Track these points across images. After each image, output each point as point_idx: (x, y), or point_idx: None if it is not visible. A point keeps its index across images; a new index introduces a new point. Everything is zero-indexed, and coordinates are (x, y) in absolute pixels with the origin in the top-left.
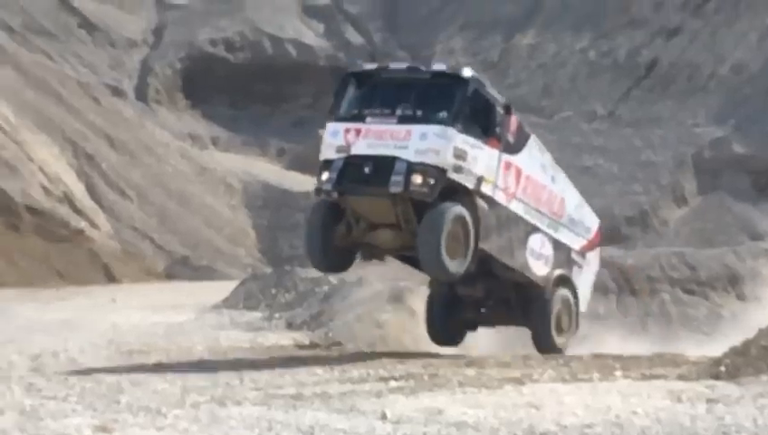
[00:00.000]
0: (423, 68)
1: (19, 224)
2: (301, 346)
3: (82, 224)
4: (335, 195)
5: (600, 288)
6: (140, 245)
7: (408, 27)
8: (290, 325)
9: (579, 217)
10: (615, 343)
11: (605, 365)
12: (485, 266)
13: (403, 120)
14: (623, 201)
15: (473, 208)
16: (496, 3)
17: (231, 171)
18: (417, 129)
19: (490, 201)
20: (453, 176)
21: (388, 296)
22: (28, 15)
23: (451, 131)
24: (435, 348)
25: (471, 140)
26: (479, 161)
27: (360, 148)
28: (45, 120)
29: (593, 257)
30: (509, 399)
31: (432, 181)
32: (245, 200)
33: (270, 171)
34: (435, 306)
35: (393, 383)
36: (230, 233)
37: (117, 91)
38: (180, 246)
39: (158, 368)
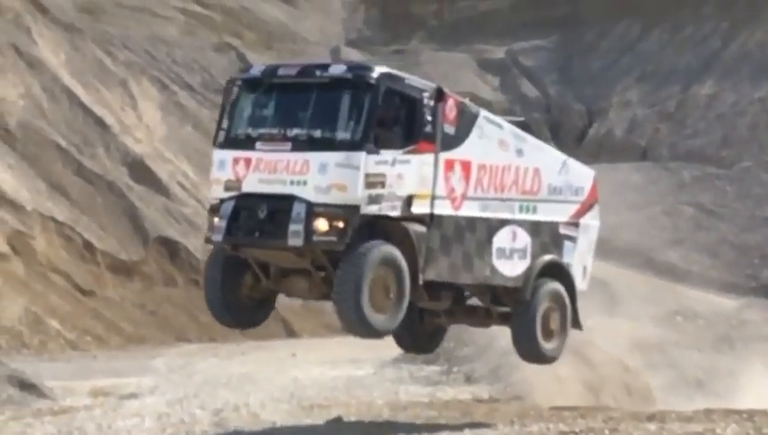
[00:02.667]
0: (318, 71)
1: (200, 280)
2: (480, 400)
3: None
4: (227, 247)
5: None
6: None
7: (583, 79)
8: (468, 379)
9: (563, 182)
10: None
11: None
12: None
13: (298, 145)
14: None
15: (404, 240)
16: (674, 53)
17: None
18: (315, 158)
19: (429, 219)
20: (369, 210)
21: (567, 350)
22: (208, 74)
23: (358, 157)
24: (617, 403)
25: (390, 155)
26: (405, 178)
27: (252, 184)
28: None
29: (591, 219)
30: None
31: (341, 225)
32: None
33: None
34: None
35: None
36: None
37: None
38: None
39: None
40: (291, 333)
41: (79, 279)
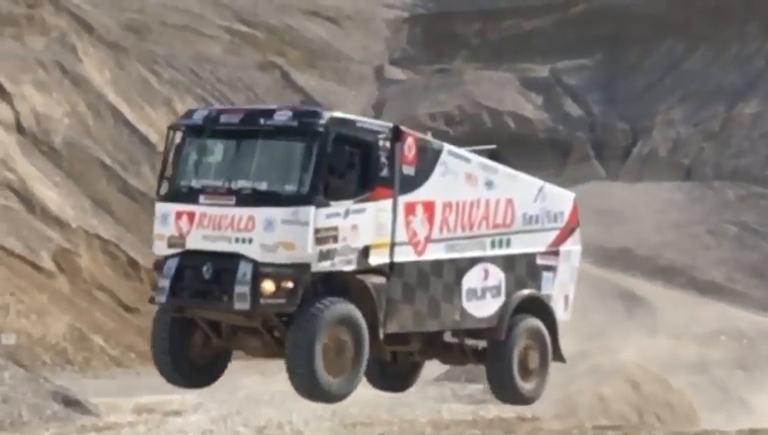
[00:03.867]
0: (262, 119)
1: None
2: (523, 419)
3: None
4: (173, 309)
5: None
6: None
7: (627, 98)
8: None
9: (540, 210)
10: None
11: None
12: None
13: (243, 200)
14: None
15: (362, 294)
16: (718, 72)
17: None
18: (260, 214)
19: (390, 269)
20: (321, 267)
21: (608, 369)
22: (252, 93)
23: (306, 212)
24: (660, 422)
25: (342, 206)
26: (361, 229)
27: (195, 241)
28: None
29: (572, 245)
30: None
31: (290, 285)
32: None
33: None
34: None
35: None
36: None
37: None
38: None
39: None
40: None
41: (123, 296)
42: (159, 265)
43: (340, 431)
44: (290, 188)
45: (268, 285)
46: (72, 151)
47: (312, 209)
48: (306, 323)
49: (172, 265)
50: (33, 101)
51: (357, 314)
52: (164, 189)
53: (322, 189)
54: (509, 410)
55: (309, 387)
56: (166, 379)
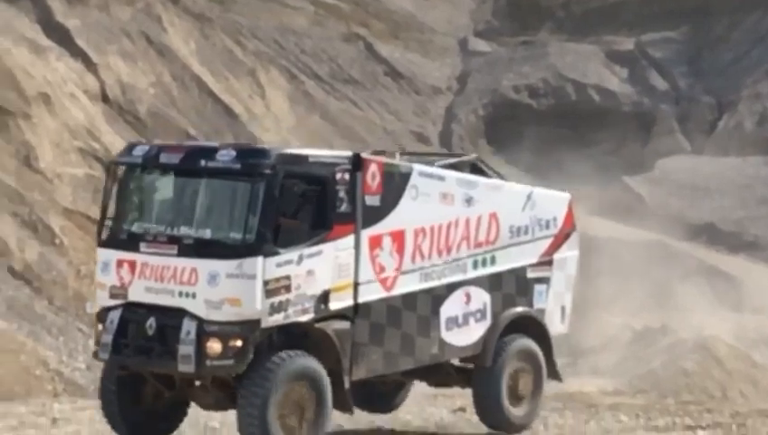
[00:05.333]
0: (203, 160)
1: None
2: (605, 393)
3: None
4: (117, 366)
5: None
6: None
7: (713, 71)
8: (594, 371)
9: (530, 219)
10: None
11: None
12: None
13: (185, 250)
14: None
15: (323, 342)
16: None
17: None
18: (204, 266)
19: (354, 311)
20: (273, 321)
21: (693, 345)
22: (336, 64)
23: (253, 263)
24: (744, 398)
25: (295, 253)
26: (318, 274)
27: (138, 293)
28: None
29: (567, 251)
30: None
31: (239, 344)
32: None
33: None
34: None
35: (700, 433)
36: None
37: (421, 138)
38: None
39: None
40: None
41: None
42: (102, 316)
43: (422, 402)
44: (235, 236)
45: (214, 346)
46: (157, 121)
47: (259, 260)
48: (259, 382)
49: (114, 318)
50: (119, 71)
51: (317, 367)
52: (105, 233)
53: (271, 236)
54: (590, 385)
55: None
56: (117, 433)
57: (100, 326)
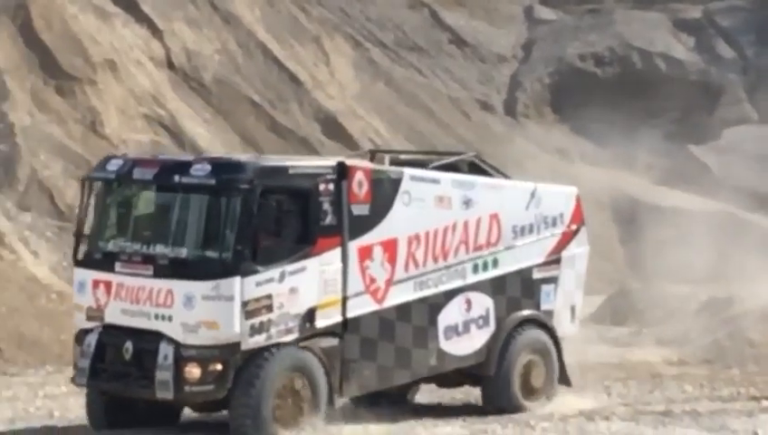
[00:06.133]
0: (177, 175)
1: None
2: (669, 363)
3: None
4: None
5: None
6: None
7: None
8: (658, 341)
9: (534, 217)
10: None
11: None
12: None
13: (161, 270)
14: None
15: (309, 361)
16: None
17: (599, 186)
18: (179, 288)
19: (343, 327)
20: (254, 343)
21: (759, 315)
22: (401, 32)
23: (230, 284)
24: None
25: (277, 269)
26: (302, 291)
27: (114, 315)
28: (417, 135)
29: (576, 248)
30: None
31: (218, 368)
32: (613, 215)
33: (638, 186)
34: None
35: (765, 403)
36: (598, 248)
37: (486, 106)
38: None
39: None
40: None
41: None
42: (79, 338)
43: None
44: (211, 255)
45: (193, 371)
46: (222, 88)
47: (236, 281)
48: (248, 391)
49: (91, 341)
50: (184, 38)
51: (309, 357)
52: (80, 253)
53: (250, 254)
54: (655, 355)
55: None
56: None
57: (77, 350)
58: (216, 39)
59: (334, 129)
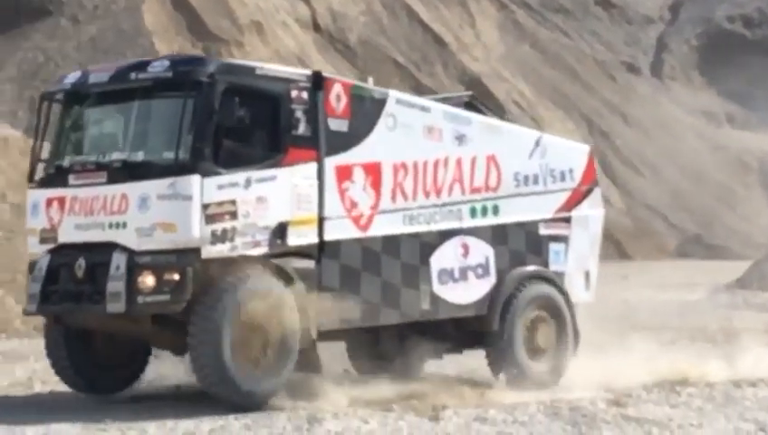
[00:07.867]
0: (134, 73)
1: None
2: None
3: None
4: (48, 319)
5: None
6: (653, 222)
7: None
8: None
9: (539, 167)
10: None
11: None
12: None
13: (115, 175)
14: None
15: (283, 279)
16: None
17: (746, 149)
18: (133, 190)
19: (319, 250)
20: (216, 251)
21: None
22: None
23: (187, 182)
24: None
25: (242, 174)
26: (271, 202)
27: (68, 232)
28: (561, 97)
29: (589, 209)
30: None
31: (175, 277)
32: (761, 179)
33: None
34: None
35: None
36: (744, 212)
37: (632, 69)
38: (693, 224)
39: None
40: (623, 255)
41: None
42: (32, 265)
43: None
44: (168, 155)
45: (146, 280)
46: (367, 50)
47: (195, 179)
48: (208, 316)
49: (43, 264)
50: (330, 0)
51: (275, 282)
52: (35, 173)
53: (211, 155)
54: None
55: (219, 385)
56: (72, 387)
57: (29, 278)
58: (362, 0)
59: (479, 91)
